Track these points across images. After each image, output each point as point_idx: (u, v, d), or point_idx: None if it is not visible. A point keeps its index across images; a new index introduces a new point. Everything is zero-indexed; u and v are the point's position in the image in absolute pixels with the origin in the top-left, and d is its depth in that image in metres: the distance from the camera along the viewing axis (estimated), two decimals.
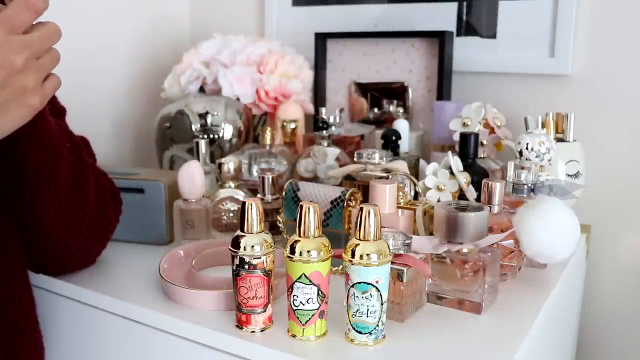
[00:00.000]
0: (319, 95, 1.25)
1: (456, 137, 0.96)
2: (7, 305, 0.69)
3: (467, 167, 0.87)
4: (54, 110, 0.75)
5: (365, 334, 0.59)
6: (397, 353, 0.59)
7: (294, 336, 0.61)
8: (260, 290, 0.61)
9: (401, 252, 0.64)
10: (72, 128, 0.78)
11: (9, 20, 0.53)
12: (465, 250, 0.68)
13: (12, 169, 0.67)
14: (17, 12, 0.53)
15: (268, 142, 1.06)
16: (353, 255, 0.58)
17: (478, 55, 1.13)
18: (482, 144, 0.97)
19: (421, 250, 0.68)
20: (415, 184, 0.83)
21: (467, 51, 1.13)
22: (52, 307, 0.79)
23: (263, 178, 0.87)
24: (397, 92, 1.19)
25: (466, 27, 1.14)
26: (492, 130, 0.99)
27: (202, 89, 1.19)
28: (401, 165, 0.85)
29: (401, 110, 1.19)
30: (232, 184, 0.95)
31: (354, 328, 0.60)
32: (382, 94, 1.21)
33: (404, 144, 1.02)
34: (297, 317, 0.60)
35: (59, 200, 0.69)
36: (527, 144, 0.84)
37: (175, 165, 1.11)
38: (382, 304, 0.59)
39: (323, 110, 1.08)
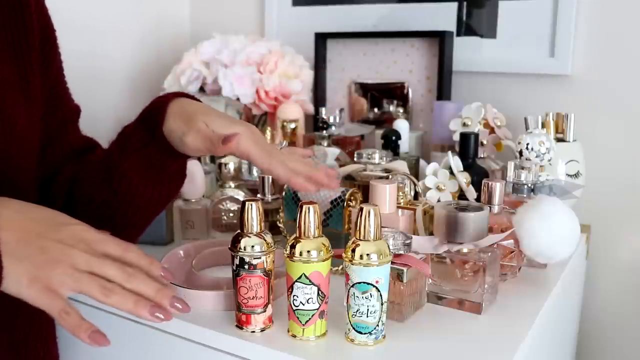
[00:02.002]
0: (319, 95, 1.25)
1: (456, 137, 0.96)
2: (21, 309, 0.68)
3: (467, 167, 0.87)
4: (67, 111, 0.73)
5: (365, 334, 0.59)
6: (397, 353, 0.59)
7: (294, 336, 0.61)
8: (260, 290, 0.61)
9: (401, 252, 0.64)
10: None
11: (94, 241, 0.51)
12: (465, 250, 0.68)
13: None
14: (108, 242, 0.52)
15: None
16: (353, 255, 0.58)
17: (478, 55, 1.13)
18: (482, 144, 0.97)
19: (421, 250, 0.68)
20: (415, 184, 0.83)
21: (467, 51, 1.13)
22: None
23: (263, 178, 0.87)
24: (397, 92, 1.19)
25: (466, 27, 1.13)
26: (492, 130, 0.99)
27: (202, 89, 1.19)
28: (401, 165, 0.85)
29: (401, 110, 1.19)
30: (232, 184, 0.95)
31: (354, 328, 0.60)
32: (382, 94, 1.21)
33: (404, 144, 1.02)
34: (297, 317, 0.60)
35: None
36: (527, 144, 0.84)
37: None
38: (382, 304, 0.59)
39: (323, 110, 1.08)
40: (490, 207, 0.74)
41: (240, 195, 0.94)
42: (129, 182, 0.66)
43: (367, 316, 0.59)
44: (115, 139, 0.69)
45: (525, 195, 0.81)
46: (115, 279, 0.50)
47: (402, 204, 0.79)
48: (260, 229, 0.61)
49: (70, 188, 0.70)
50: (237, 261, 0.61)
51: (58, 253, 0.50)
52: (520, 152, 0.85)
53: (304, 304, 0.60)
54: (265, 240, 0.61)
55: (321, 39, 1.23)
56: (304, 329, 0.60)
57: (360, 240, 0.58)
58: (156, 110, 0.64)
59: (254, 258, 0.60)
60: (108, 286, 0.50)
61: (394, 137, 0.98)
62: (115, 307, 0.50)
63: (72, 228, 0.52)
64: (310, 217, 0.59)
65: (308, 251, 0.58)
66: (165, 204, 0.72)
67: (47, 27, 0.69)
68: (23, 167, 0.65)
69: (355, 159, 0.87)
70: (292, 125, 1.14)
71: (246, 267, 0.60)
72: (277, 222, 0.84)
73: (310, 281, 0.59)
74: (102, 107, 1.27)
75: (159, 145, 0.65)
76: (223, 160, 0.95)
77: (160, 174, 0.68)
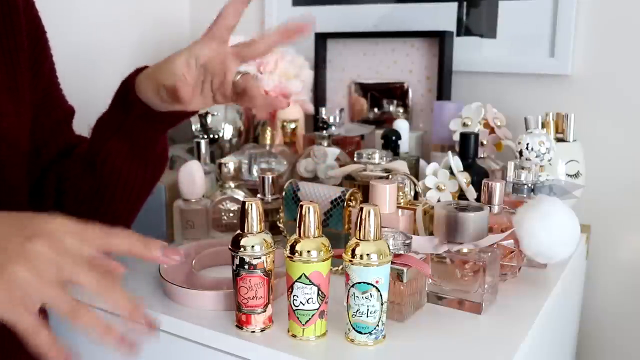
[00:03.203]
0: (319, 95, 1.25)
1: (456, 137, 0.96)
2: None
3: (467, 167, 0.87)
4: (61, 112, 0.74)
5: (365, 334, 0.59)
6: (397, 353, 0.59)
7: (294, 336, 0.61)
8: (260, 290, 0.61)
9: (401, 252, 0.64)
10: (74, 128, 0.78)
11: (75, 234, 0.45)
12: (465, 250, 0.68)
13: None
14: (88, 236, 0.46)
15: (268, 142, 1.06)
16: (353, 255, 0.58)
17: (478, 55, 1.13)
18: (482, 144, 0.97)
19: (421, 250, 0.68)
20: (415, 184, 0.83)
21: (467, 51, 1.13)
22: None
23: (263, 178, 0.87)
24: (397, 92, 1.19)
25: (466, 27, 1.13)
26: (492, 130, 0.99)
27: None
28: (401, 165, 0.85)
29: (401, 110, 1.19)
30: (232, 184, 0.95)
31: (354, 328, 0.60)
32: (382, 94, 1.21)
33: (404, 144, 1.02)
34: (297, 317, 0.60)
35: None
36: (527, 144, 0.84)
37: (175, 165, 1.11)
38: (382, 304, 0.59)
39: (323, 110, 1.08)
40: (490, 207, 0.74)
41: (240, 195, 0.94)
42: (111, 164, 0.66)
43: (367, 316, 0.59)
44: (94, 127, 0.69)
45: (525, 195, 0.81)
46: (85, 286, 0.44)
47: (402, 204, 0.79)
48: (260, 229, 0.61)
49: (58, 183, 0.71)
50: (237, 261, 0.61)
51: (18, 251, 0.43)
52: (520, 152, 0.85)
53: (304, 304, 0.60)
54: (265, 240, 0.61)
55: (321, 39, 1.23)
56: (304, 329, 0.60)
57: (360, 240, 0.58)
58: (123, 83, 0.66)
59: (254, 258, 0.60)
60: (75, 305, 0.44)
61: (394, 137, 0.98)
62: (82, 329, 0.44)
63: (43, 221, 0.46)
64: (310, 217, 0.59)
65: (308, 251, 0.58)
66: (149, 189, 0.72)
67: (37, 29, 0.69)
68: (12, 165, 0.65)
69: (355, 159, 0.87)
70: (292, 125, 1.14)
71: (246, 267, 0.60)
72: (277, 222, 0.84)
73: (310, 281, 0.59)
74: (102, 108, 1.27)
75: (136, 115, 0.64)
76: (223, 160, 0.95)
77: (142, 152, 0.68)
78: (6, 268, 0.43)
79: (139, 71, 0.65)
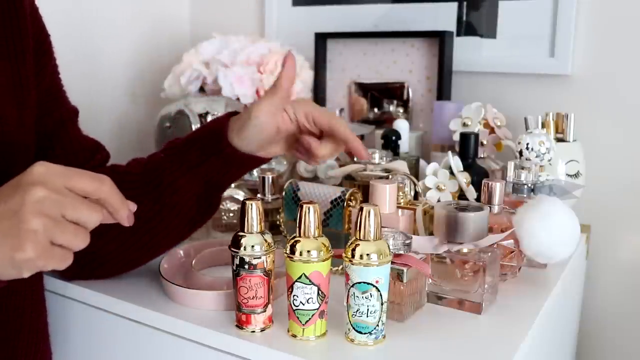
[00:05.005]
0: (319, 95, 1.25)
1: (456, 137, 0.96)
2: (11, 305, 0.68)
3: (467, 167, 0.87)
4: (65, 112, 0.74)
5: (365, 334, 0.59)
6: (397, 353, 0.59)
7: (294, 336, 0.61)
8: (260, 290, 0.61)
9: (401, 252, 0.64)
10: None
11: (67, 176, 0.48)
12: (465, 250, 0.68)
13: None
14: (83, 177, 0.49)
15: None
16: (353, 255, 0.58)
17: (478, 55, 1.13)
18: (482, 144, 0.97)
19: (421, 250, 0.68)
20: (415, 184, 0.83)
21: (467, 51, 1.13)
22: (52, 307, 0.79)
23: (263, 178, 0.87)
24: (397, 92, 1.19)
25: (466, 27, 1.13)
26: (492, 130, 0.99)
27: (202, 89, 1.19)
28: (401, 165, 0.85)
29: (401, 110, 1.19)
30: (232, 184, 0.95)
31: (354, 328, 0.60)
32: (382, 94, 1.21)
33: (404, 144, 1.02)
34: (297, 317, 0.60)
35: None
36: (527, 144, 0.84)
37: None
38: (382, 304, 0.59)
39: None
40: (490, 207, 0.74)
41: (240, 195, 0.94)
42: (180, 197, 0.69)
43: (367, 316, 0.59)
44: (166, 155, 0.71)
45: (525, 195, 0.81)
46: (86, 213, 0.48)
47: (402, 204, 0.79)
48: (261, 229, 0.61)
49: None
50: (237, 261, 0.61)
51: (23, 206, 0.46)
52: (520, 152, 0.85)
53: (304, 304, 0.60)
54: (265, 240, 0.61)
55: (321, 39, 1.23)
56: (304, 329, 0.60)
57: (360, 240, 0.58)
58: (214, 125, 0.69)
59: (254, 258, 0.60)
60: (91, 204, 0.48)
61: (394, 137, 0.98)
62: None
63: (27, 173, 0.49)
64: (310, 217, 0.59)
65: (308, 251, 0.58)
66: (203, 223, 0.75)
67: (41, 32, 0.69)
68: (20, 168, 0.64)
69: (355, 159, 0.87)
70: None
71: (246, 267, 0.60)
72: (277, 222, 0.84)
73: (310, 281, 0.59)
74: (102, 108, 1.27)
75: (223, 158, 0.68)
76: None
77: (213, 191, 0.71)
78: (22, 225, 0.45)
79: (230, 114, 0.69)
